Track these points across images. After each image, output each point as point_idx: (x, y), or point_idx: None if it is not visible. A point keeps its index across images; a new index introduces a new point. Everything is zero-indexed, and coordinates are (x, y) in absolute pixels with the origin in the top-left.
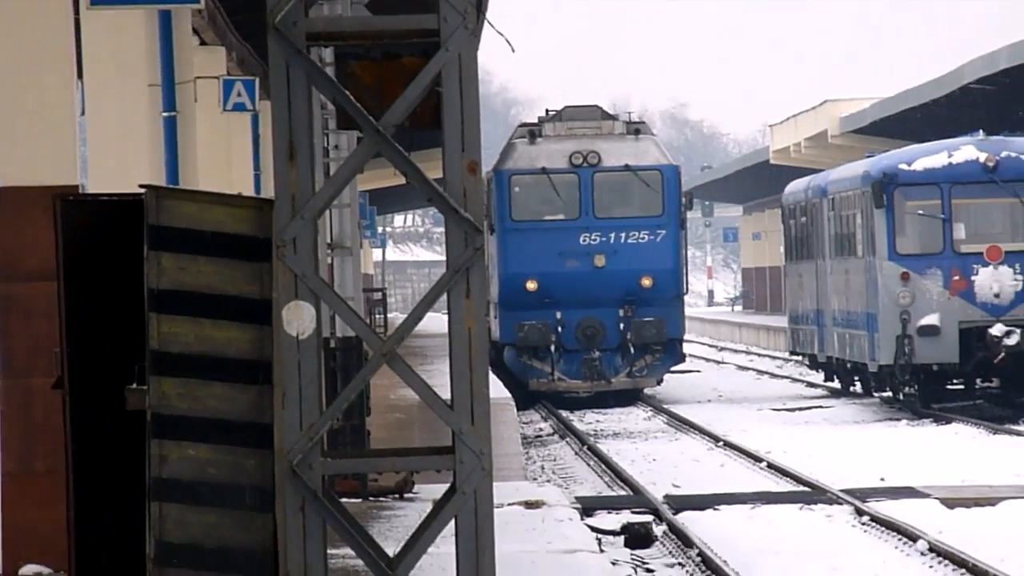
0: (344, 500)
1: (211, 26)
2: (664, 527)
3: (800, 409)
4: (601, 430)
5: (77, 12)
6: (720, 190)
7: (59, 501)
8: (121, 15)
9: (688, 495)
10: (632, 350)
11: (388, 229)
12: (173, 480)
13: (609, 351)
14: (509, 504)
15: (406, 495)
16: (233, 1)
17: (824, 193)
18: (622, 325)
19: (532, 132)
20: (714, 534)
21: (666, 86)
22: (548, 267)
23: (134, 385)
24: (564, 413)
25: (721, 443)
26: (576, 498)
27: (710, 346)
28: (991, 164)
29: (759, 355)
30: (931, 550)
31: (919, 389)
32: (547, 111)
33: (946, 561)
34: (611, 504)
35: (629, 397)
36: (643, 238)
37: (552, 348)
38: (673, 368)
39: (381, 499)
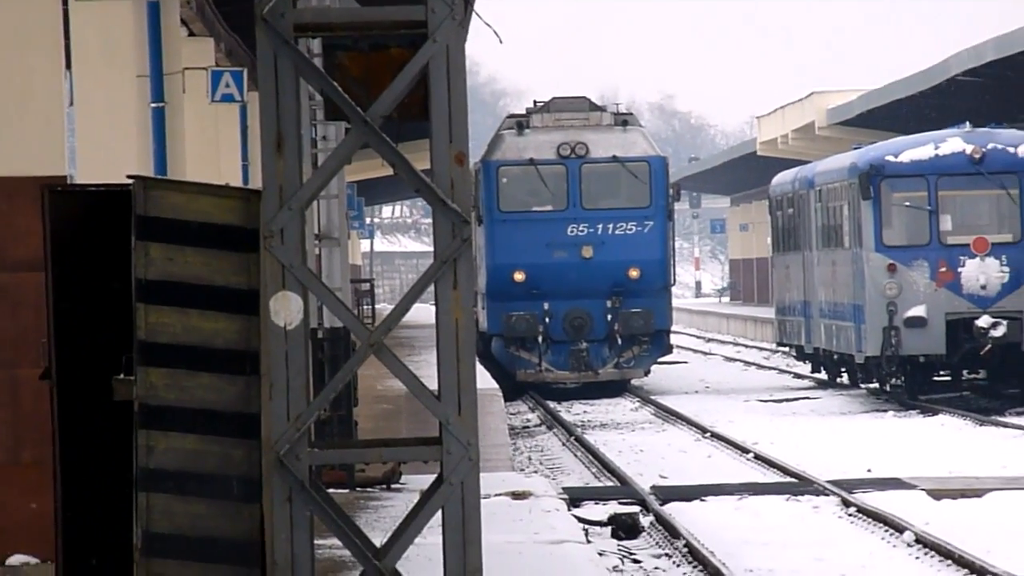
0: (331, 490)
1: (199, 17)
2: (651, 518)
3: (787, 400)
4: (588, 421)
5: (66, 3)
6: (708, 181)
7: (46, 491)
8: (109, 6)
9: (675, 486)
10: (619, 341)
11: (376, 220)
12: (160, 470)
13: (596, 342)
14: (496, 495)
15: (393, 486)
16: None
17: (811, 185)
18: (610, 316)
19: (520, 123)
20: (701, 525)
21: (654, 77)
22: (536, 258)
23: (122, 375)
24: (551, 404)
25: (708, 434)
26: (563, 489)
27: (697, 337)
28: (977, 156)
29: (746, 346)
30: (917, 541)
31: (906, 380)
32: (535, 102)
33: (932, 552)
34: (598, 495)
35: (616, 388)
36: (631, 229)
37: (539, 339)
38: (660, 359)
39: (368, 490)
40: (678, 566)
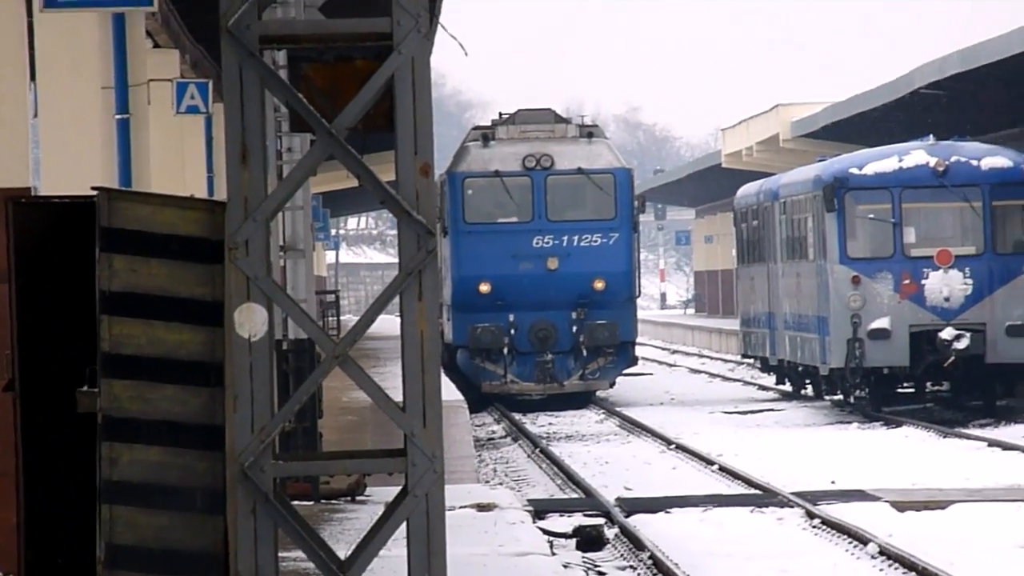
0: (296, 503)
1: (165, 29)
2: (616, 530)
3: (752, 412)
4: (553, 432)
5: (30, 14)
6: (673, 193)
7: (9, 504)
8: (74, 17)
9: (640, 498)
10: (585, 353)
11: (341, 231)
12: (124, 482)
13: (562, 354)
14: (461, 507)
15: (358, 498)
16: (187, 4)
17: (776, 197)
18: (575, 328)
19: (485, 135)
20: (666, 537)
21: (619, 90)
22: (501, 269)
23: (85, 387)
24: (517, 415)
25: (673, 446)
26: (528, 501)
27: (662, 349)
28: (941, 169)
29: (711, 358)
30: (881, 553)
31: (870, 392)
32: (500, 114)
33: (896, 564)
34: (563, 507)
35: (582, 400)
36: (596, 241)
37: (505, 350)
38: (626, 371)
39: (333, 502)
40: None
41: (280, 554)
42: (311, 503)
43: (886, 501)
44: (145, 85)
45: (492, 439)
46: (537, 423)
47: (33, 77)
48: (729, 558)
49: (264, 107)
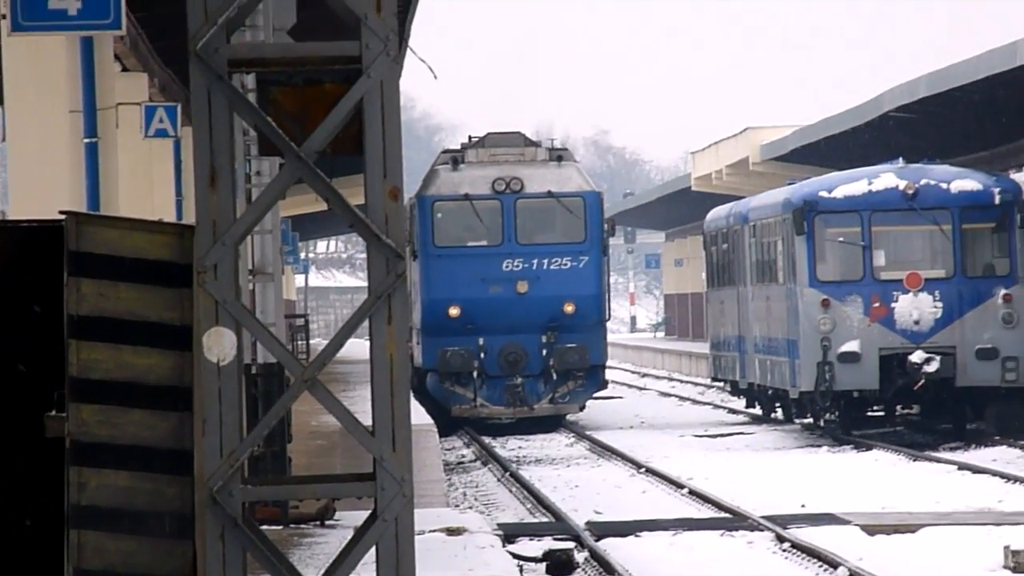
0: (265, 527)
1: (133, 52)
2: (586, 554)
3: (722, 436)
4: (523, 456)
5: None
6: (642, 216)
7: None
8: (42, 41)
9: (610, 521)
10: (555, 376)
11: (311, 255)
12: (92, 507)
13: (532, 377)
14: (431, 531)
15: (327, 522)
16: (155, 27)
17: (745, 220)
18: (545, 351)
19: (455, 158)
20: (636, 561)
21: (588, 113)
22: (471, 293)
23: (53, 412)
24: (487, 439)
25: (643, 469)
26: (498, 525)
27: (633, 372)
28: (911, 192)
29: (681, 381)
30: None
31: (840, 416)
32: (470, 137)
33: None
34: (533, 531)
35: (552, 423)
36: (566, 264)
37: (475, 374)
38: (595, 394)
39: (302, 526)
40: None
41: None
42: (280, 527)
43: (856, 525)
44: (114, 109)
45: (462, 463)
46: (507, 447)
47: (1, 101)
48: None
49: (233, 130)
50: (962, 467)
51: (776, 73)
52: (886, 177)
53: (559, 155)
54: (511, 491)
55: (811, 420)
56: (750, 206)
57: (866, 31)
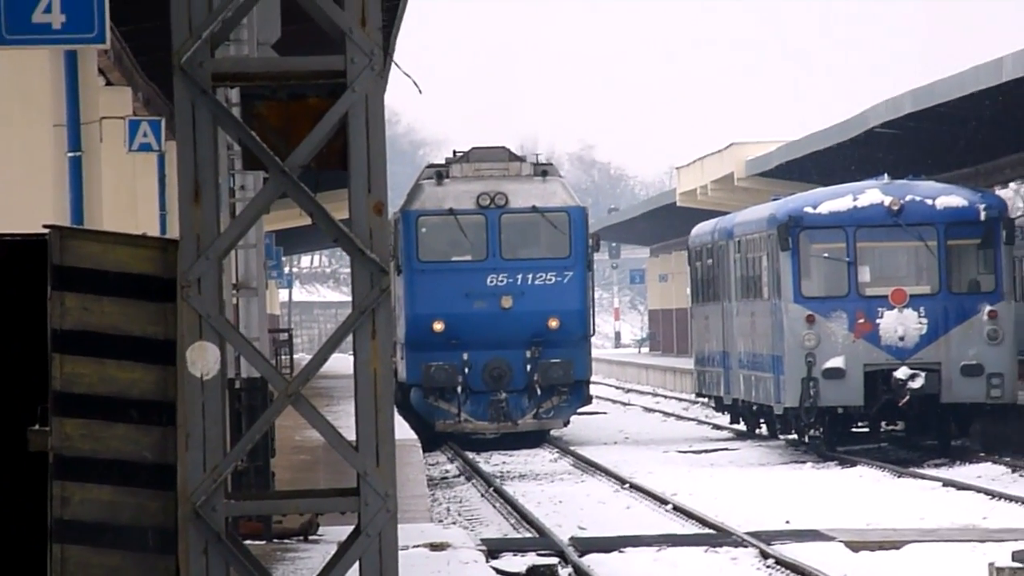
0: (248, 542)
1: (117, 66)
2: (570, 569)
3: (706, 451)
4: (507, 472)
5: None
6: (627, 232)
7: None
8: (26, 55)
9: (594, 537)
10: (539, 391)
11: (295, 269)
12: (75, 522)
13: (516, 392)
14: (414, 546)
15: (311, 537)
16: (139, 41)
17: (730, 235)
18: (529, 366)
19: (439, 173)
20: None
21: (573, 128)
22: (455, 308)
23: (37, 426)
24: (470, 454)
25: (627, 485)
26: (482, 540)
27: (617, 388)
28: (896, 208)
29: (665, 397)
30: None
31: (824, 432)
32: (454, 152)
33: None
34: (517, 546)
35: (536, 439)
36: (550, 279)
37: (459, 389)
38: (580, 410)
39: (285, 541)
40: None
41: None
42: (263, 542)
43: (840, 541)
44: (97, 123)
45: (445, 478)
46: (491, 462)
47: None
48: None
49: (217, 145)
50: (947, 483)
51: (761, 89)
52: (871, 193)
53: (544, 170)
54: (495, 506)
55: (796, 436)
56: (735, 221)
57: (851, 46)
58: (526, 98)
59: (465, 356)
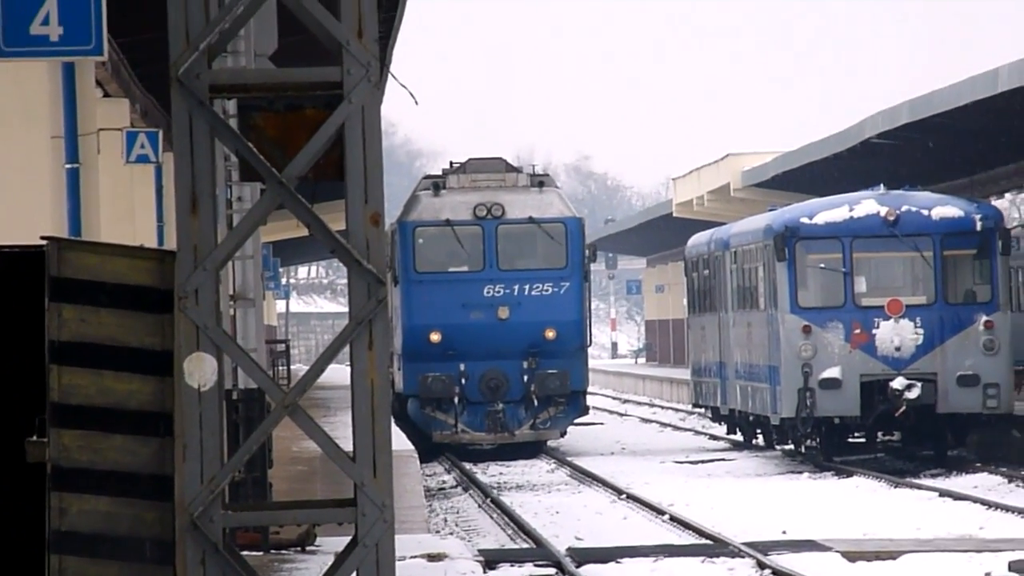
0: (245, 553)
1: (115, 78)
2: None
3: (703, 462)
4: (504, 482)
5: None
6: (624, 242)
7: None
8: (23, 67)
9: (591, 548)
10: (536, 402)
11: (292, 280)
12: (73, 533)
13: (513, 403)
14: (411, 557)
15: (308, 548)
16: (137, 53)
17: (727, 246)
18: (526, 377)
19: (436, 184)
20: None
21: (570, 138)
22: (452, 319)
23: (35, 437)
24: (467, 465)
25: (624, 495)
26: (479, 551)
27: (613, 398)
28: (892, 218)
29: (662, 407)
30: None
31: (821, 442)
32: (451, 163)
33: None
34: (514, 557)
35: (532, 449)
36: (547, 290)
37: (456, 400)
38: (576, 420)
39: (283, 552)
40: None
41: None
42: (261, 553)
43: (837, 551)
44: (95, 134)
45: (443, 489)
46: (488, 473)
47: None
48: None
49: (214, 156)
50: (943, 494)
51: (758, 100)
52: (867, 203)
53: (540, 181)
54: (492, 517)
55: (792, 446)
56: (731, 232)
57: (848, 57)
58: (523, 109)
59: (462, 367)
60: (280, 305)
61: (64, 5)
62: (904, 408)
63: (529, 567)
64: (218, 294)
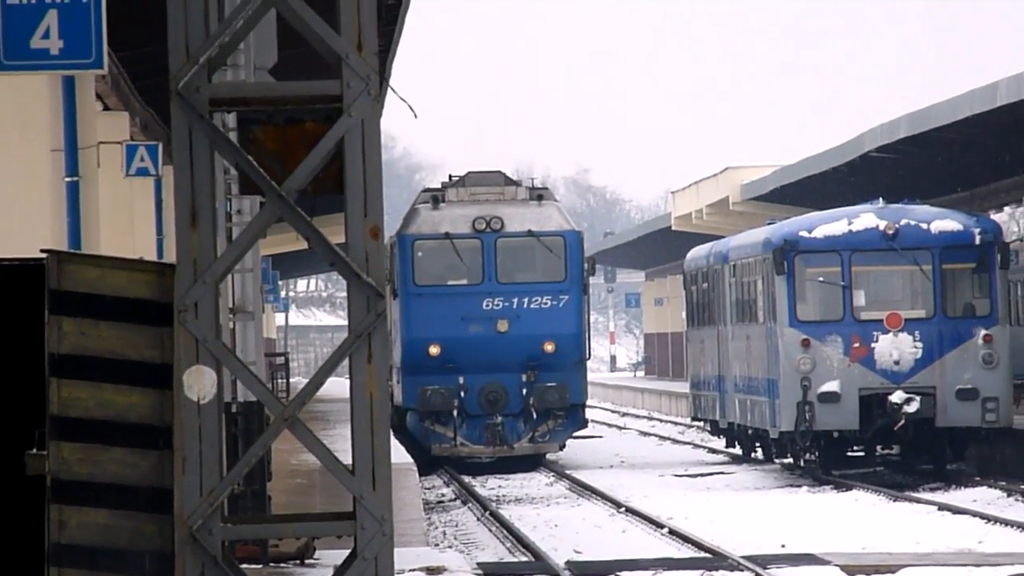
0: (244, 566)
1: (114, 91)
2: None
3: (702, 475)
4: (503, 495)
5: None
6: (622, 256)
7: None
8: (24, 80)
9: (590, 561)
10: (535, 415)
11: (291, 293)
12: (73, 545)
13: (512, 416)
14: (410, 570)
15: (307, 561)
16: (137, 66)
17: (725, 259)
18: (525, 390)
19: (435, 197)
20: None
21: (569, 152)
22: (451, 332)
23: (34, 450)
24: (466, 478)
25: (623, 509)
26: (478, 564)
27: (612, 411)
28: (891, 232)
29: (661, 421)
30: None
31: (820, 455)
32: (450, 176)
33: None
34: (513, 570)
35: (531, 462)
36: (546, 303)
37: (455, 413)
38: (575, 433)
39: (282, 565)
40: None
41: None
42: (260, 566)
43: (836, 565)
44: (95, 148)
45: (442, 502)
46: (487, 486)
47: None
48: None
49: (213, 169)
50: (942, 507)
51: (757, 113)
52: (866, 217)
53: (539, 194)
54: (491, 530)
55: (791, 460)
56: (730, 245)
57: (847, 70)
58: (522, 123)
59: (461, 380)
60: (279, 318)
61: (64, 19)
62: (903, 422)
63: None
64: (217, 307)
